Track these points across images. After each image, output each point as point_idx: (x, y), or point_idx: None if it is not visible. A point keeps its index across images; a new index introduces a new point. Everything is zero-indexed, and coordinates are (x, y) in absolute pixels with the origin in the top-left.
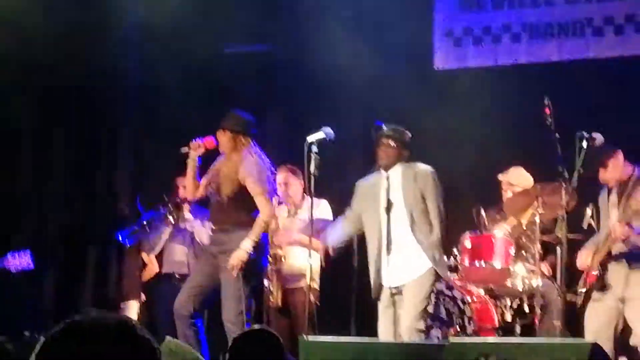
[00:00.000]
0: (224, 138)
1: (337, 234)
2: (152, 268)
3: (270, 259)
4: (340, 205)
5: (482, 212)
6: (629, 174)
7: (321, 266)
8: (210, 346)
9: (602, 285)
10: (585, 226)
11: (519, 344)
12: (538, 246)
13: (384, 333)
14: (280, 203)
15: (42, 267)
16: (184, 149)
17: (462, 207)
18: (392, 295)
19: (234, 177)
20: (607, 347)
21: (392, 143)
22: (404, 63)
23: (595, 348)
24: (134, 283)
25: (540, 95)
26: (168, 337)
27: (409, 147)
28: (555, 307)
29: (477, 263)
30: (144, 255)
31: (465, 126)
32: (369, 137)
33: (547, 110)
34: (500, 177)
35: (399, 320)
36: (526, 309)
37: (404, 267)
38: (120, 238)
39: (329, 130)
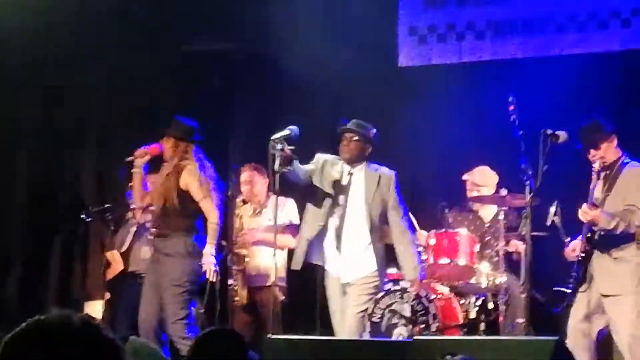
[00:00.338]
0: (167, 145)
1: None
2: (117, 266)
3: (234, 258)
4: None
5: (447, 210)
6: (615, 158)
7: (287, 264)
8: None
9: (586, 278)
10: (548, 223)
11: (483, 342)
12: (502, 243)
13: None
14: (245, 202)
15: (4, 265)
16: (129, 158)
17: (426, 205)
18: (342, 288)
19: (175, 183)
20: (584, 345)
21: (354, 137)
22: (369, 60)
23: (559, 345)
24: (98, 282)
25: (504, 92)
26: (132, 337)
27: (372, 142)
28: (519, 304)
29: (441, 260)
30: (108, 253)
31: (430, 124)
32: (335, 134)
33: (511, 108)
34: (465, 177)
35: (345, 314)
36: (490, 306)
37: (352, 264)
38: (83, 215)
39: (294, 128)
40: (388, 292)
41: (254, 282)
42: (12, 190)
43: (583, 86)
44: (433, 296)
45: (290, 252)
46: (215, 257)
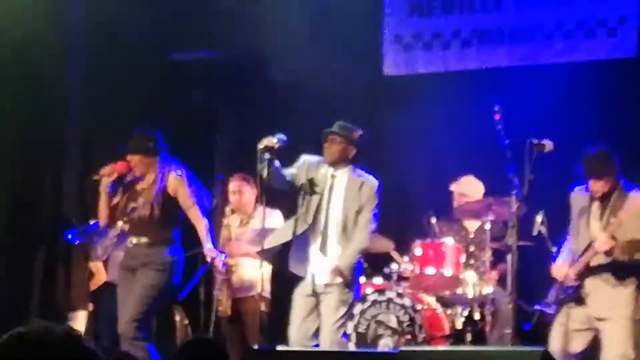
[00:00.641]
0: (134, 161)
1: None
2: (100, 277)
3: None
4: (293, 213)
5: (433, 219)
6: (613, 186)
7: (272, 274)
8: None
9: (578, 298)
10: (535, 233)
11: (470, 352)
12: (488, 253)
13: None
14: (232, 212)
15: None
16: (95, 177)
17: (412, 214)
18: (314, 290)
19: (162, 191)
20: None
21: (337, 139)
22: (354, 69)
23: (546, 356)
24: (82, 292)
25: (490, 101)
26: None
27: (356, 144)
28: (506, 315)
29: (427, 270)
30: (91, 264)
31: (416, 133)
32: (320, 142)
33: (497, 117)
34: (453, 187)
35: (321, 325)
36: (477, 317)
37: (328, 267)
38: (69, 237)
39: (282, 136)
40: (374, 303)
41: (238, 292)
42: None
43: (570, 95)
44: (419, 307)
45: (275, 263)
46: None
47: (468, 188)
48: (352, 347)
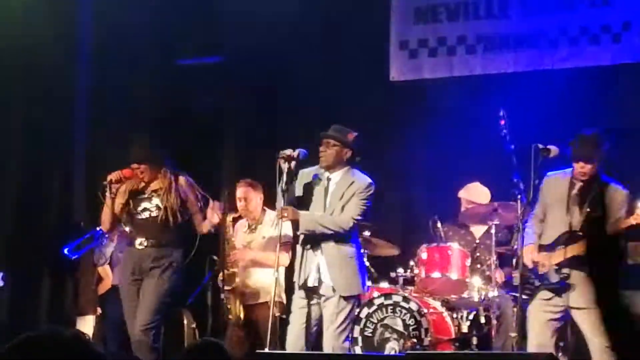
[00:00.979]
0: (142, 168)
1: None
2: (108, 281)
3: (225, 277)
4: None
5: (439, 223)
6: (589, 177)
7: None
8: None
9: (559, 288)
10: None
11: (475, 356)
12: (494, 258)
13: (296, 333)
14: (239, 218)
15: None
16: (105, 182)
17: (418, 218)
18: (308, 293)
19: (176, 195)
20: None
21: (332, 142)
22: (361, 75)
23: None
24: (90, 297)
25: (495, 106)
26: None
27: (352, 147)
28: (511, 318)
29: (433, 274)
30: (99, 268)
31: (421, 138)
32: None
33: (502, 122)
34: (461, 194)
35: (323, 331)
36: (482, 321)
37: (326, 272)
38: (66, 252)
39: (303, 150)
40: (380, 307)
41: (249, 299)
42: (1, 204)
43: (574, 100)
44: (425, 310)
45: (287, 268)
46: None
47: (475, 194)
48: (358, 350)
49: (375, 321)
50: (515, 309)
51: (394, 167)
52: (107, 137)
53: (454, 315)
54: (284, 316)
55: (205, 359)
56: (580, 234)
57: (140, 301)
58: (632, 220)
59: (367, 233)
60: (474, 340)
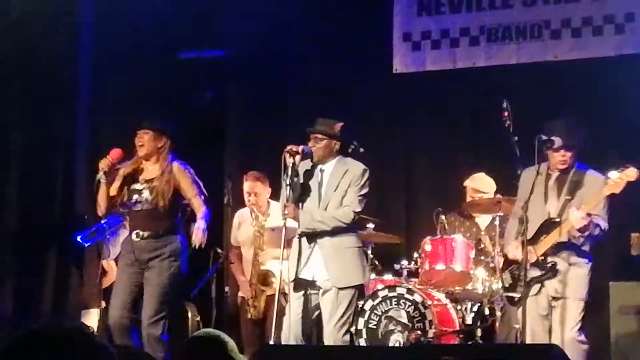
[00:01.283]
0: (145, 139)
1: None
2: (112, 274)
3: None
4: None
5: (443, 215)
6: (569, 164)
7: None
8: None
9: (545, 280)
10: None
11: (479, 347)
12: (498, 249)
13: (294, 323)
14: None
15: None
16: (97, 175)
17: (422, 211)
18: (308, 291)
19: (170, 183)
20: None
21: (319, 136)
22: (364, 66)
23: (555, 351)
24: (95, 290)
25: (498, 98)
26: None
27: (340, 138)
28: (516, 310)
29: (437, 266)
30: (103, 261)
31: (425, 129)
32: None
33: (506, 113)
34: (466, 183)
35: (324, 322)
36: (487, 312)
37: (323, 265)
38: (79, 239)
39: (307, 147)
40: (384, 299)
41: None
42: (4, 198)
43: (577, 91)
44: (429, 302)
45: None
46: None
47: (481, 184)
48: (362, 342)
49: (380, 313)
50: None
51: (398, 159)
52: (110, 129)
53: (458, 307)
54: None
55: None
56: (558, 220)
57: (144, 295)
58: (607, 191)
59: (370, 226)
60: (479, 332)
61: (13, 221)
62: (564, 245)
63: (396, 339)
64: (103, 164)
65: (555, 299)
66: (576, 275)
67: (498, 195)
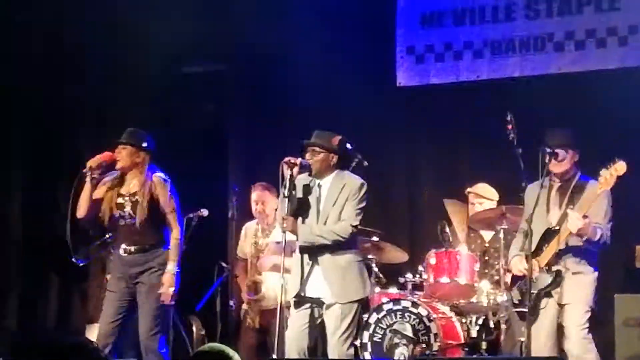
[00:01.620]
0: (122, 153)
1: None
2: None
3: (250, 284)
4: None
5: (447, 228)
6: (571, 175)
7: None
8: None
9: (551, 288)
10: None
11: None
12: (503, 262)
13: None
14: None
15: (4, 287)
16: (85, 170)
17: (426, 224)
18: (311, 305)
19: (145, 198)
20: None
21: (317, 149)
22: (367, 80)
23: None
24: (99, 304)
25: (502, 111)
26: None
27: (338, 152)
28: (521, 323)
29: (442, 279)
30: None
31: (429, 143)
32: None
33: (510, 126)
34: (469, 189)
35: (327, 338)
36: (491, 325)
37: (323, 281)
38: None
39: (305, 161)
40: (389, 312)
41: (265, 305)
42: (7, 214)
43: (581, 104)
44: (434, 315)
45: None
46: (177, 275)
47: (483, 190)
48: (367, 356)
49: (385, 326)
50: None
51: (401, 172)
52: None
53: (463, 320)
54: None
55: None
56: (558, 228)
57: (139, 311)
58: (599, 188)
59: (375, 239)
60: (483, 345)
61: (17, 235)
62: (567, 252)
63: (401, 352)
64: (92, 162)
65: (561, 305)
66: (582, 282)
67: (503, 207)
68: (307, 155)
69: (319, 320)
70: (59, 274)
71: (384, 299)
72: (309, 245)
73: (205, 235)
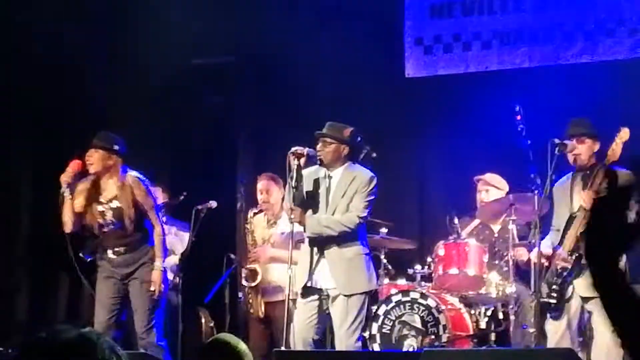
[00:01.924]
0: (94, 157)
1: None
2: None
3: (247, 275)
4: None
5: (456, 219)
6: (591, 164)
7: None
8: None
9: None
10: None
11: (494, 352)
12: (512, 253)
13: (301, 329)
14: (260, 211)
15: (14, 281)
16: (64, 189)
17: (435, 215)
18: (319, 297)
19: (129, 197)
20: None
21: (328, 140)
22: (376, 71)
23: (569, 354)
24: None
25: (511, 102)
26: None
27: (349, 143)
28: (530, 314)
29: (450, 270)
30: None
31: (438, 134)
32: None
33: (519, 117)
34: (477, 177)
35: (335, 328)
36: (500, 316)
37: (329, 273)
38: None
39: (312, 150)
40: (398, 304)
41: (269, 296)
42: (17, 212)
43: (590, 95)
44: (443, 307)
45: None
46: (164, 272)
47: (491, 178)
48: (376, 347)
49: (393, 318)
50: (533, 304)
51: (410, 164)
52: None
53: (472, 312)
54: None
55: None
56: (578, 213)
57: (133, 308)
58: (607, 161)
59: (384, 230)
60: (493, 337)
61: (27, 231)
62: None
63: (410, 344)
64: (65, 177)
65: (585, 299)
66: None
67: (511, 197)
68: (319, 146)
69: (327, 312)
70: (67, 270)
71: (393, 291)
72: (316, 236)
73: (214, 227)
